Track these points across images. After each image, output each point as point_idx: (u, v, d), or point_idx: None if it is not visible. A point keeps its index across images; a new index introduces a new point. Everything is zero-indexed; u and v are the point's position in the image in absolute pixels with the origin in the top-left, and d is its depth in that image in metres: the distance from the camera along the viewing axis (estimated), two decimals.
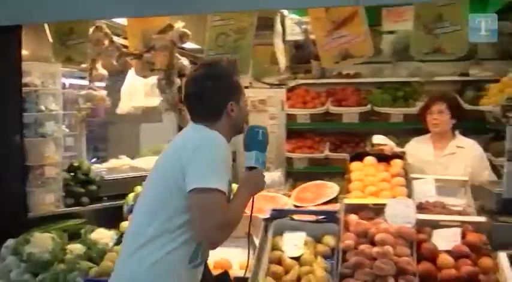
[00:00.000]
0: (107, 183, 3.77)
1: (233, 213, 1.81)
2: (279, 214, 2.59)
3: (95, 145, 6.77)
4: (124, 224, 2.72)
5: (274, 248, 2.46)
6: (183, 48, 2.84)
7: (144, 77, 3.74)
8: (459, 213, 2.53)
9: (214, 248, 1.84)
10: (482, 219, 2.38)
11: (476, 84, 4.98)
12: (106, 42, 2.83)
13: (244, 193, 1.91)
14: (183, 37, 2.57)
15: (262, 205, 2.86)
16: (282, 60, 3.03)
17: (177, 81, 2.87)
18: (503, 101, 2.67)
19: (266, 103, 5.46)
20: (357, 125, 5.18)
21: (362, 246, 2.26)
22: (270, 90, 5.49)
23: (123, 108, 4.60)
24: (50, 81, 3.18)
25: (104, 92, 3.66)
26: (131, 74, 4.54)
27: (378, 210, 2.49)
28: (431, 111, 3.19)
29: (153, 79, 4.79)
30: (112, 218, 3.01)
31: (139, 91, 4.55)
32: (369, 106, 5.06)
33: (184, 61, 2.85)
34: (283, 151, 5.39)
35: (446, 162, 3.14)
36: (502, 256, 2.19)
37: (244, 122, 2.01)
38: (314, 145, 5.38)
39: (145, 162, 3.92)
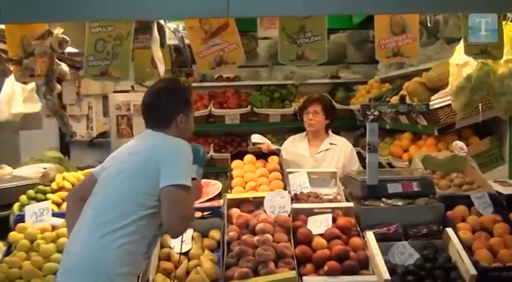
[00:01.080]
0: None
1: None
2: None
3: None
4: (14, 235, 2.61)
5: (163, 245, 2.56)
6: (63, 53, 2.81)
7: (24, 83, 3.58)
8: (330, 201, 2.84)
9: (176, 236, 2.10)
10: (350, 204, 2.72)
11: (346, 86, 5.55)
12: None
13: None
14: (62, 43, 2.55)
15: None
16: (161, 66, 3.14)
17: (58, 86, 2.84)
18: (366, 102, 3.06)
19: None
20: (238, 125, 5.44)
21: (244, 237, 2.46)
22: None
23: (1, 115, 4.34)
24: None
25: None
26: (9, 80, 4.31)
27: (258, 203, 2.70)
28: (308, 112, 3.53)
29: (32, 85, 4.66)
30: None
31: (18, 97, 4.34)
32: (249, 107, 5.35)
33: (64, 67, 2.82)
34: None
35: (321, 158, 3.49)
36: (369, 234, 2.52)
37: (189, 136, 2.24)
38: None
39: (29, 171, 3.75)
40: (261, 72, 5.72)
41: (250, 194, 2.76)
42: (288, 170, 3.14)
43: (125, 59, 2.57)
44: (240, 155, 3.26)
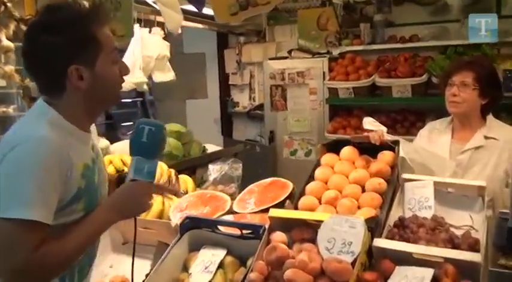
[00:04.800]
0: None
1: (58, 249, 1.23)
2: (193, 223, 1.90)
3: None
4: None
5: (186, 265, 1.81)
6: None
7: None
8: (451, 239, 1.62)
9: None
10: (473, 257, 1.46)
11: None
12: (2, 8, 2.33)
13: (100, 218, 1.34)
14: None
15: (195, 206, 2.21)
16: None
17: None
18: None
19: (305, 75, 4.65)
20: (410, 100, 4.16)
21: None
22: (310, 60, 4.67)
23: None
24: None
25: (12, 68, 3.04)
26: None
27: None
28: (451, 83, 2.22)
29: (162, 53, 4.33)
30: None
31: (137, 67, 4.07)
32: (424, 76, 4.01)
33: None
34: (324, 132, 4.59)
35: (466, 161, 2.17)
36: None
37: (116, 91, 1.39)
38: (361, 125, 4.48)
39: (125, 146, 3.44)
40: (451, 29, 4.25)
41: (304, 215, 1.72)
42: (406, 175, 1.97)
43: (128, 8, 1.81)
44: (338, 147, 2.19)
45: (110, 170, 2.53)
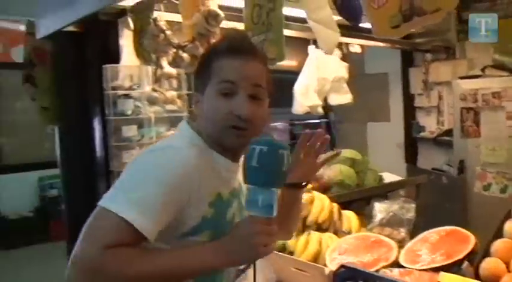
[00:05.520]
0: None
1: (123, 263, 1.04)
2: (349, 273, 1.65)
3: None
4: None
5: None
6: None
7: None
8: None
9: None
10: None
11: None
12: (162, 36, 2.39)
13: (199, 253, 1.12)
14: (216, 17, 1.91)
15: (356, 251, 1.94)
16: None
17: None
18: None
19: (502, 96, 3.99)
20: None
21: None
22: (508, 78, 4.00)
23: (298, 108, 4.05)
24: (138, 84, 2.93)
25: (173, 93, 3.10)
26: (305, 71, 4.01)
27: None
28: None
29: (338, 75, 4.14)
30: None
31: (311, 89, 3.96)
32: None
33: None
34: None
35: None
36: None
37: (217, 125, 1.22)
38: None
39: None
40: None
41: None
42: None
43: (278, 29, 1.66)
44: None
45: None
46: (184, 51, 2.33)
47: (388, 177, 3.71)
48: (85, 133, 3.07)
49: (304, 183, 1.41)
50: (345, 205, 2.69)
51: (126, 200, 1.06)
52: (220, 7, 2.22)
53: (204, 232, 1.18)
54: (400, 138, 5.48)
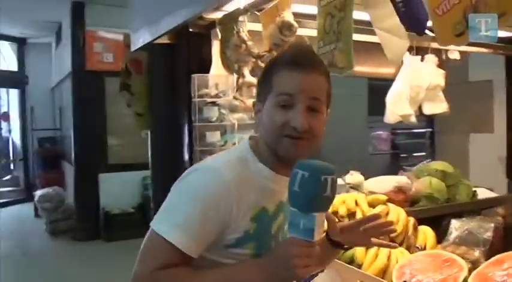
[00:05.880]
0: None
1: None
2: None
3: None
4: None
5: None
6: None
7: None
8: None
9: None
10: None
11: None
12: (243, 46, 2.44)
13: (243, 272, 1.19)
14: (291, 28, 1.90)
15: (425, 269, 1.86)
16: None
17: None
18: None
19: None
20: None
21: None
22: None
23: (389, 117, 3.90)
24: (224, 92, 3.03)
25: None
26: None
27: None
28: None
29: (436, 82, 3.92)
30: None
31: (404, 98, 3.79)
32: None
33: None
34: None
35: None
36: None
37: (273, 136, 1.24)
38: None
39: (381, 183, 3.21)
40: None
41: None
42: None
43: (348, 38, 1.65)
44: None
45: (342, 210, 2.39)
46: (262, 61, 2.41)
47: (483, 193, 3.47)
48: (174, 138, 3.26)
49: (346, 247, 1.43)
50: (427, 221, 2.57)
51: (171, 222, 1.15)
52: (295, 14, 2.26)
53: (247, 244, 1.21)
54: (502, 152, 5.06)
